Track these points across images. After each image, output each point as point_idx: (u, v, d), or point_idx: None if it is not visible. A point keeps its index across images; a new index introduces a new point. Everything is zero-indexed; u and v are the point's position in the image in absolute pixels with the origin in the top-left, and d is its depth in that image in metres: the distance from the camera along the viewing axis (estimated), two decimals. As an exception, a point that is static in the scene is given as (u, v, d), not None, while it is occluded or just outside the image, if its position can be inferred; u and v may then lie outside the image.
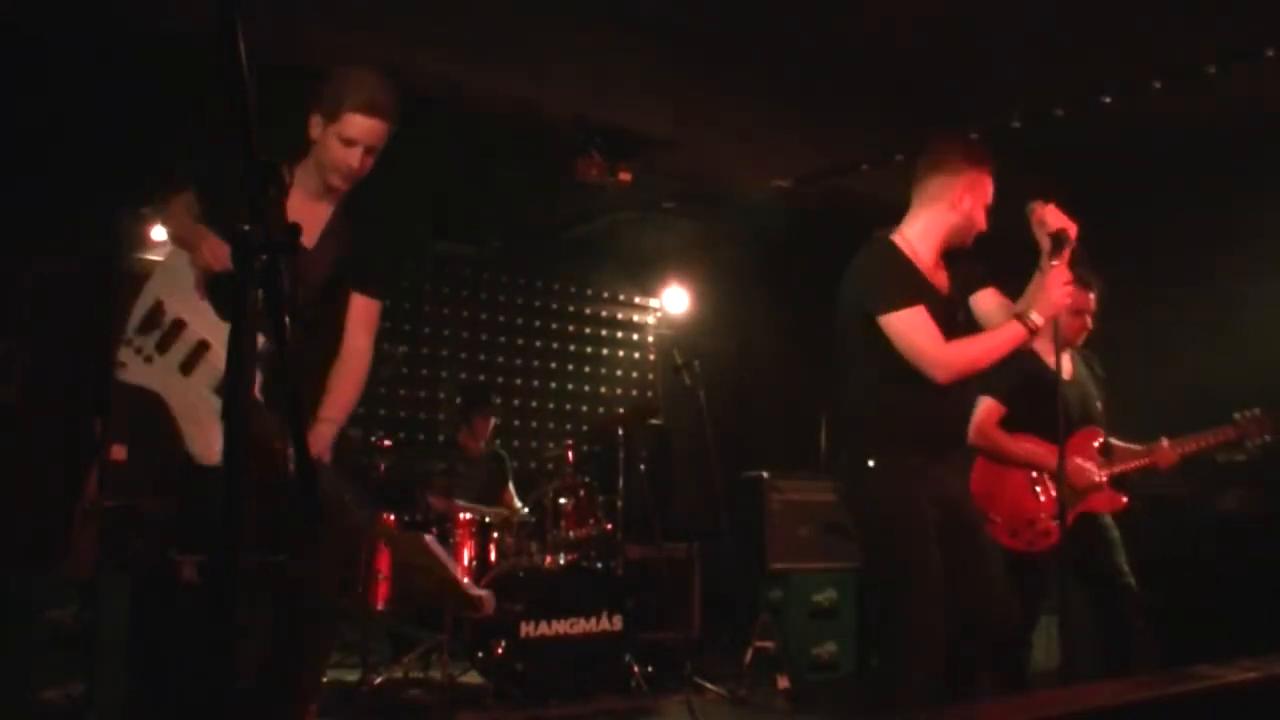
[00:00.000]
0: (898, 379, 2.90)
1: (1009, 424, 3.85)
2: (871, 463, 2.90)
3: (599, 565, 5.04)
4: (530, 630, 4.54)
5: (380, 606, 4.88)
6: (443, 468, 5.08)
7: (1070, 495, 3.69)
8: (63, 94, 4.99)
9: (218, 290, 2.64)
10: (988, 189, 3.03)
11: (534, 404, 7.73)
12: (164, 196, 2.79)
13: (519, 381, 7.67)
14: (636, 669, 4.91)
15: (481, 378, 7.33)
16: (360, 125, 2.64)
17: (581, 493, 5.09)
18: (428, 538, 2.36)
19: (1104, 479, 3.82)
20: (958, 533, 2.93)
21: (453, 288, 7.42)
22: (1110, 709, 1.72)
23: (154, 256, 5.81)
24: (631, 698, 4.77)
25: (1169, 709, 1.78)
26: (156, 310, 2.66)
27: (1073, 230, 2.88)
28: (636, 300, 8.34)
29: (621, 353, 8.27)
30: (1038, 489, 3.81)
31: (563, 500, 5.06)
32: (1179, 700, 1.82)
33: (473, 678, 4.83)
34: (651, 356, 8.32)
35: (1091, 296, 3.85)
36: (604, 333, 8.21)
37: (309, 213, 2.73)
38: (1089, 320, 3.91)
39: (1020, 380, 3.79)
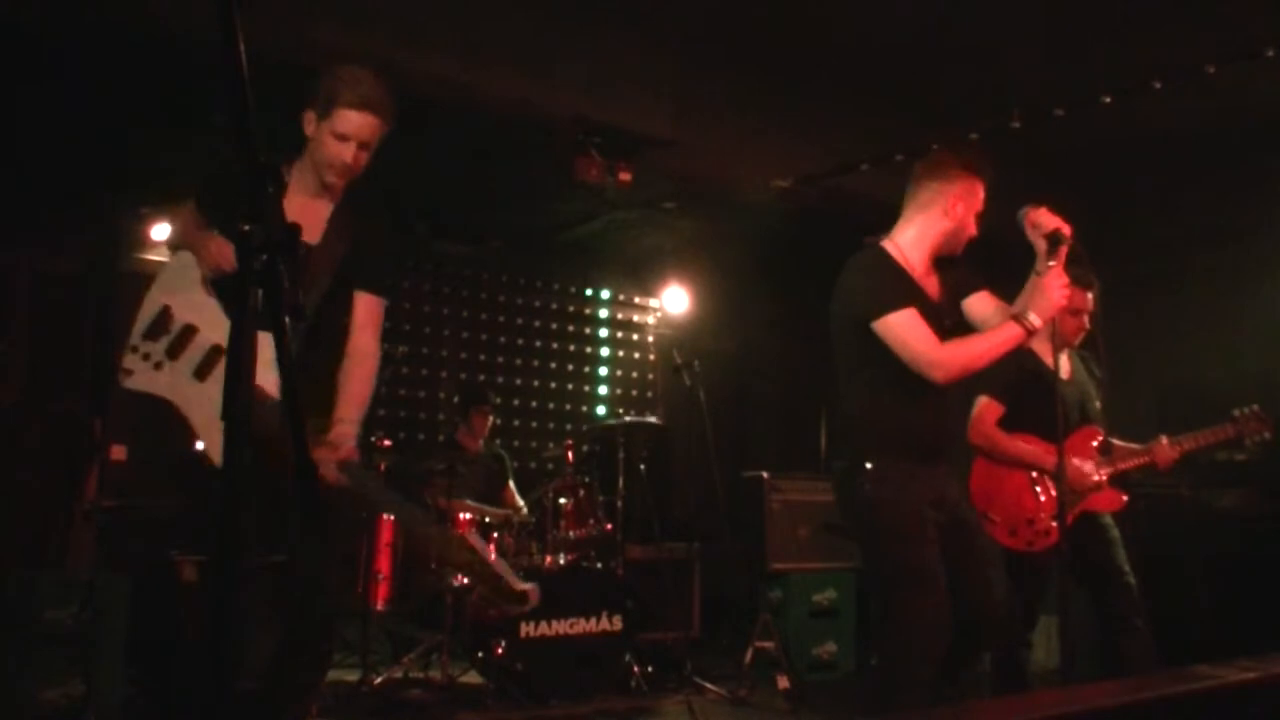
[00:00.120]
0: (891, 386, 2.92)
1: (1008, 424, 3.85)
2: (869, 465, 2.91)
3: (599, 565, 5.04)
4: (530, 630, 4.54)
5: (380, 606, 4.89)
6: (442, 467, 5.08)
7: (1070, 495, 3.70)
8: (62, 94, 4.99)
9: (226, 293, 2.62)
10: (980, 197, 3.05)
11: (534, 404, 7.72)
12: (169, 203, 2.79)
13: (519, 381, 7.67)
14: (636, 669, 4.91)
15: (481, 378, 7.33)
16: (354, 120, 2.65)
17: (581, 493, 5.09)
18: (470, 535, 2.37)
19: (1103, 478, 3.83)
20: (957, 535, 2.94)
21: (452, 288, 7.42)
22: (1110, 709, 1.72)
23: (154, 257, 5.81)
24: (631, 698, 4.77)
25: (1169, 709, 1.77)
26: (164, 316, 2.63)
27: (1067, 230, 2.89)
28: (636, 300, 8.33)
29: (621, 353, 8.27)
30: (1037, 489, 3.81)
31: (563, 500, 5.06)
32: (1179, 700, 1.82)
33: (473, 678, 4.84)
34: (651, 356, 8.32)
35: (1089, 296, 3.85)
36: (604, 333, 8.21)
37: (309, 211, 2.73)
38: (1087, 320, 3.91)
39: (1019, 380, 3.80)
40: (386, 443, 5.32)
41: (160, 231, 5.77)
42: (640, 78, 5.17)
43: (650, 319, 8.38)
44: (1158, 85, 4.77)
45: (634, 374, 8.30)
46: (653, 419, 6.89)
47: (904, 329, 2.86)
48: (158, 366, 2.60)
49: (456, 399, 6.21)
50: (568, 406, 7.87)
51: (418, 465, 5.41)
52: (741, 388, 8.23)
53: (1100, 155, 5.71)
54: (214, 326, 2.62)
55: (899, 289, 2.93)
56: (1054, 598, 3.71)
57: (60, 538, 4.89)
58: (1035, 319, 2.84)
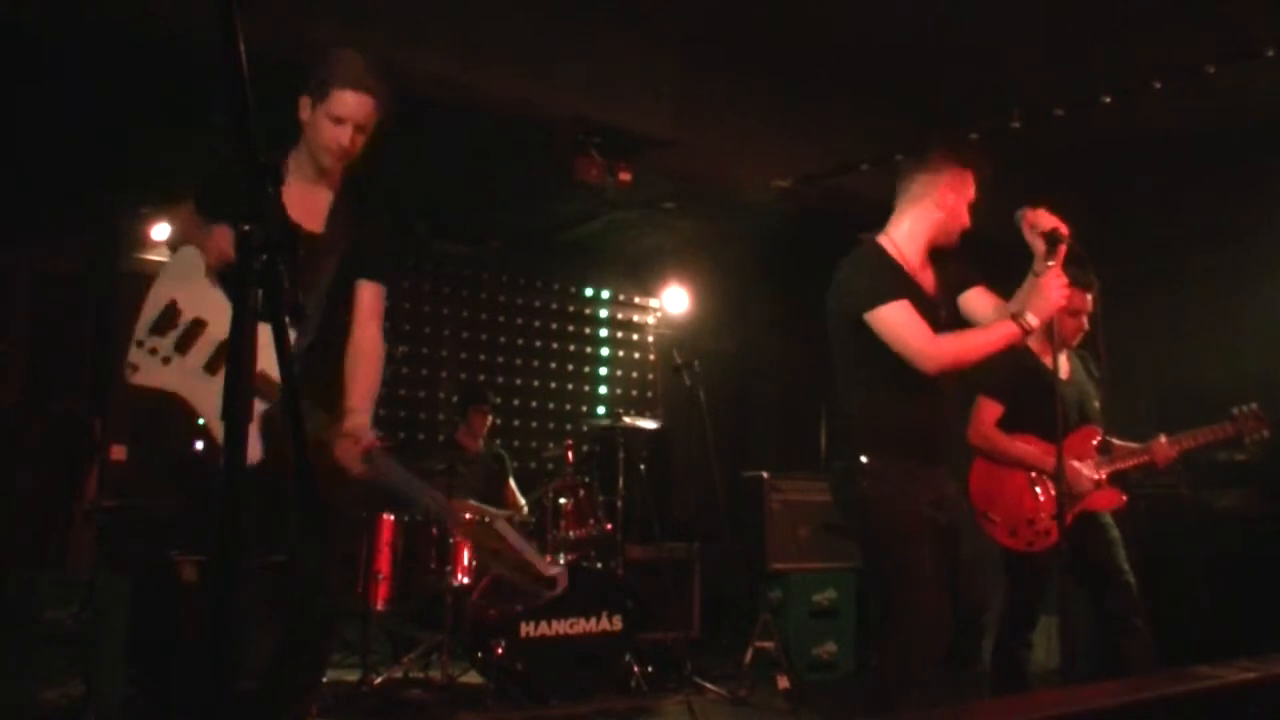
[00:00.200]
0: (889, 383, 2.92)
1: (1007, 424, 3.85)
2: (865, 459, 2.92)
3: (599, 565, 5.05)
4: (530, 630, 4.54)
5: (380, 606, 4.88)
6: (442, 467, 5.07)
7: (1069, 495, 3.70)
8: (62, 94, 4.99)
9: (233, 285, 2.60)
10: (970, 186, 3.06)
11: (534, 404, 7.72)
12: (169, 203, 2.78)
13: (519, 381, 7.67)
14: (636, 669, 4.91)
15: (481, 378, 7.33)
16: (348, 102, 2.64)
17: (581, 493, 5.09)
18: (502, 523, 2.40)
19: (1102, 477, 3.83)
20: (951, 537, 2.97)
21: (452, 288, 7.42)
22: (1110, 709, 1.72)
23: (154, 257, 5.81)
24: (631, 698, 4.77)
25: (1169, 709, 1.78)
26: (171, 310, 2.61)
27: (1065, 230, 2.89)
28: (636, 300, 8.34)
29: (621, 353, 8.27)
30: (1037, 489, 3.81)
31: (563, 500, 5.06)
32: (1179, 700, 1.82)
33: (473, 678, 4.84)
34: (651, 356, 8.32)
35: (1089, 297, 3.85)
36: (604, 333, 8.21)
37: (309, 199, 2.73)
38: (1085, 321, 3.92)
39: (1018, 380, 3.80)
40: (386, 442, 5.32)
41: (160, 231, 5.77)
42: (640, 77, 5.17)
43: (650, 319, 8.38)
44: (1158, 85, 4.78)
45: (634, 374, 8.30)
46: (653, 419, 6.90)
47: (896, 320, 2.87)
48: (165, 361, 2.57)
49: (456, 399, 6.21)
50: (568, 406, 7.87)
51: (418, 465, 5.41)
52: (741, 388, 8.23)
53: (1100, 155, 5.71)
54: (223, 320, 2.58)
55: (891, 282, 2.94)
56: (1054, 598, 3.71)
57: (60, 538, 4.89)
58: (1032, 319, 2.84)
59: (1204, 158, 5.59)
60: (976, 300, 3.08)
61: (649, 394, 8.29)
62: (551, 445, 6.97)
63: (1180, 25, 4.50)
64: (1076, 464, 3.78)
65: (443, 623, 4.80)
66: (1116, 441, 3.96)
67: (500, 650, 4.49)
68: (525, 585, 2.32)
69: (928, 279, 3.05)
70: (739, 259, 7.40)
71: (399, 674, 4.90)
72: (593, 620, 4.71)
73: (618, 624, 4.77)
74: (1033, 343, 3.82)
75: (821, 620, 5.72)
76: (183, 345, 2.58)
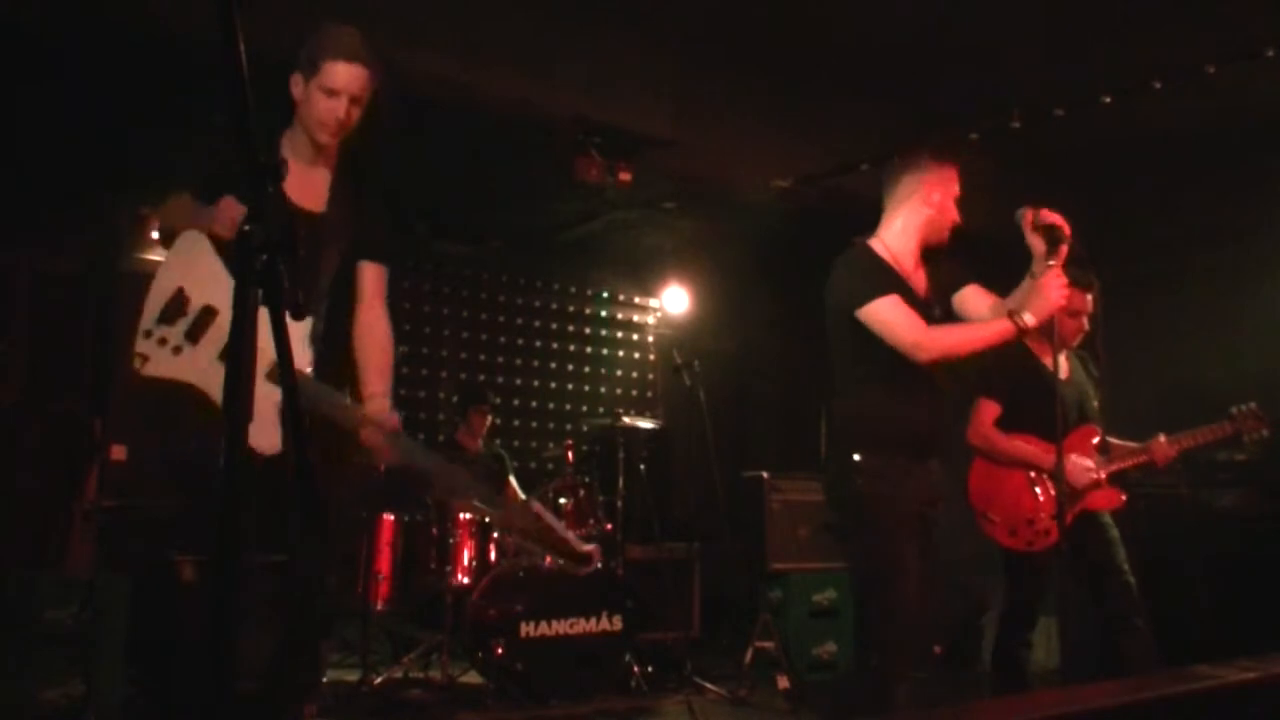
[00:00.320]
0: (883, 381, 2.96)
1: (1007, 424, 3.86)
2: (857, 457, 2.94)
3: (599, 565, 5.04)
4: (530, 630, 4.54)
5: (380, 606, 4.88)
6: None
7: (1069, 495, 3.70)
8: (62, 94, 4.99)
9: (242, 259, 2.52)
10: (955, 182, 3.11)
11: (534, 404, 7.73)
12: (162, 197, 2.73)
13: (519, 381, 7.67)
14: (636, 669, 4.91)
15: (481, 378, 7.33)
16: (341, 73, 2.60)
17: (581, 493, 5.09)
18: (536, 504, 2.43)
19: (1102, 477, 3.83)
20: (928, 536, 3.00)
21: (452, 287, 7.42)
22: (1110, 709, 1.72)
23: (154, 257, 5.81)
24: (631, 698, 4.77)
25: (1169, 709, 1.78)
26: (179, 298, 2.51)
27: (1066, 230, 2.91)
28: (636, 300, 8.34)
29: (621, 353, 8.27)
30: (1036, 489, 3.81)
31: (563, 500, 5.06)
32: (1179, 700, 1.82)
33: (473, 678, 4.84)
34: (651, 356, 8.32)
35: (1089, 298, 3.86)
36: (604, 333, 8.21)
37: (308, 179, 2.69)
38: (1085, 321, 3.92)
39: (1018, 380, 3.80)
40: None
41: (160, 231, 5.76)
42: (640, 77, 5.17)
43: (650, 319, 8.38)
44: (1158, 85, 4.78)
45: (634, 374, 8.30)
46: (653, 419, 6.90)
47: (887, 313, 2.91)
48: (177, 351, 2.49)
49: (455, 399, 6.21)
50: (568, 406, 7.87)
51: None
52: (741, 388, 8.23)
53: (1100, 155, 5.71)
54: None
55: (881, 279, 2.98)
56: (1054, 598, 3.71)
57: (60, 538, 4.89)
58: (1029, 317, 2.87)
59: (1204, 158, 5.59)
60: (972, 298, 3.10)
61: (649, 394, 8.29)
62: (551, 445, 6.97)
63: (1180, 25, 4.49)
64: (1076, 458, 3.78)
65: (443, 623, 4.81)
66: (1116, 441, 3.96)
67: (500, 650, 4.49)
68: (561, 562, 2.37)
69: (920, 280, 3.08)
70: (739, 259, 7.40)
71: (399, 674, 4.90)
72: (593, 620, 4.71)
73: (618, 624, 4.77)
74: (1032, 343, 3.83)
75: (821, 620, 5.72)
76: (194, 334, 2.50)
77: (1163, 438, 3.88)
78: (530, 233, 7.22)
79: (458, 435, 6.06)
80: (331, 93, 2.61)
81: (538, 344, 7.81)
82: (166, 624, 3.67)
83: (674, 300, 7.69)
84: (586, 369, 8.06)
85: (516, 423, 7.55)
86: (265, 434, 2.36)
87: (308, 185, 2.68)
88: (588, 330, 8.13)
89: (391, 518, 4.96)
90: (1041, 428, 3.70)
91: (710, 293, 7.77)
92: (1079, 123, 5.16)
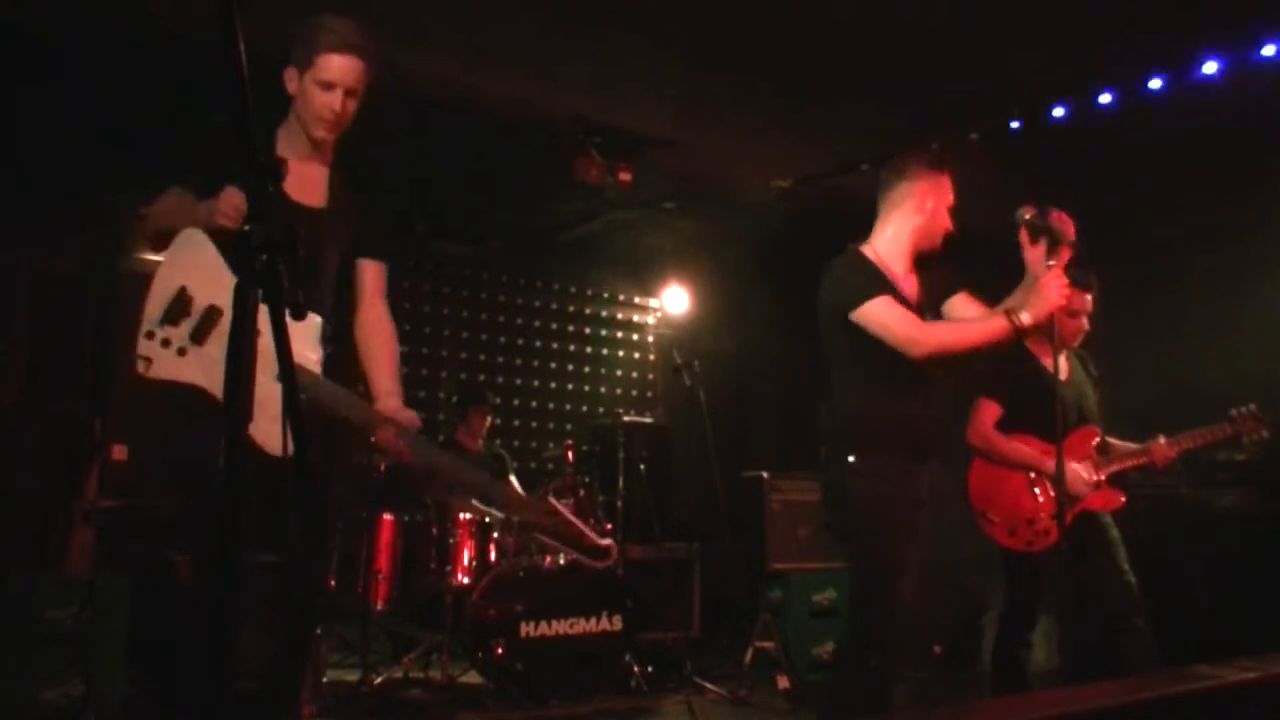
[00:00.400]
0: (879, 382, 2.97)
1: (1007, 425, 3.86)
2: (856, 458, 2.96)
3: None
4: (530, 630, 4.54)
5: (380, 606, 4.88)
6: (422, 465, 5.06)
7: (1068, 495, 3.70)
8: (62, 94, 4.99)
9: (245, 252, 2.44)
10: (949, 189, 3.12)
11: (534, 404, 7.73)
12: (155, 194, 2.67)
13: (519, 381, 7.67)
14: (636, 669, 4.91)
15: (481, 378, 7.33)
16: (337, 65, 2.53)
17: (581, 493, 5.09)
18: (554, 500, 2.45)
19: (1101, 478, 3.83)
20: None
21: (452, 288, 7.42)
22: (1110, 709, 1.72)
23: (154, 257, 5.80)
24: (631, 698, 4.77)
25: (1169, 709, 1.78)
26: (182, 298, 2.44)
27: (1069, 232, 2.91)
28: (636, 300, 8.34)
29: (621, 353, 8.27)
30: (1036, 489, 3.81)
31: (563, 500, 5.06)
32: (1179, 700, 1.82)
33: (473, 678, 4.83)
34: (651, 356, 8.32)
35: (1088, 297, 3.86)
36: (604, 333, 8.21)
37: (305, 175, 2.63)
38: (1085, 321, 3.92)
39: (1018, 381, 3.80)
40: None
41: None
42: (643, 79, 5.17)
43: (650, 319, 8.38)
44: (1158, 85, 4.78)
45: (634, 374, 8.30)
46: (653, 419, 6.89)
47: (881, 313, 2.93)
48: (181, 353, 2.41)
49: (455, 399, 6.22)
50: (568, 406, 7.87)
51: (407, 464, 5.40)
52: (741, 388, 8.23)
53: (1100, 155, 5.71)
54: None
55: (873, 281, 3.00)
56: (1054, 598, 3.71)
57: (60, 538, 4.89)
58: (1026, 317, 2.87)
59: (1204, 158, 5.59)
60: (960, 306, 3.13)
61: (649, 394, 8.29)
62: (551, 445, 6.97)
63: (1180, 25, 4.49)
64: (1075, 466, 3.78)
65: (443, 623, 4.80)
66: (1115, 442, 3.97)
67: (500, 650, 4.49)
68: (579, 556, 2.39)
69: (911, 286, 3.10)
70: (739, 259, 7.40)
71: (399, 674, 4.90)
72: (593, 620, 4.71)
73: (618, 624, 4.77)
74: (1032, 344, 3.83)
75: (821, 620, 5.72)
76: (199, 335, 2.42)
77: (1162, 439, 3.88)
78: (530, 233, 7.22)
79: (457, 435, 6.05)
80: (327, 86, 2.54)
81: (538, 344, 7.81)
82: (166, 624, 3.67)
83: (674, 300, 7.69)
84: (586, 369, 8.06)
85: (516, 423, 7.55)
86: (277, 436, 2.34)
87: (305, 181, 2.63)
88: (588, 330, 8.13)
89: (391, 518, 4.96)
90: (1041, 428, 3.70)
91: (710, 293, 7.77)
92: (1079, 123, 5.16)
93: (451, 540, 4.89)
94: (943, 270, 3.16)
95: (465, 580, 4.84)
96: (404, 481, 5.22)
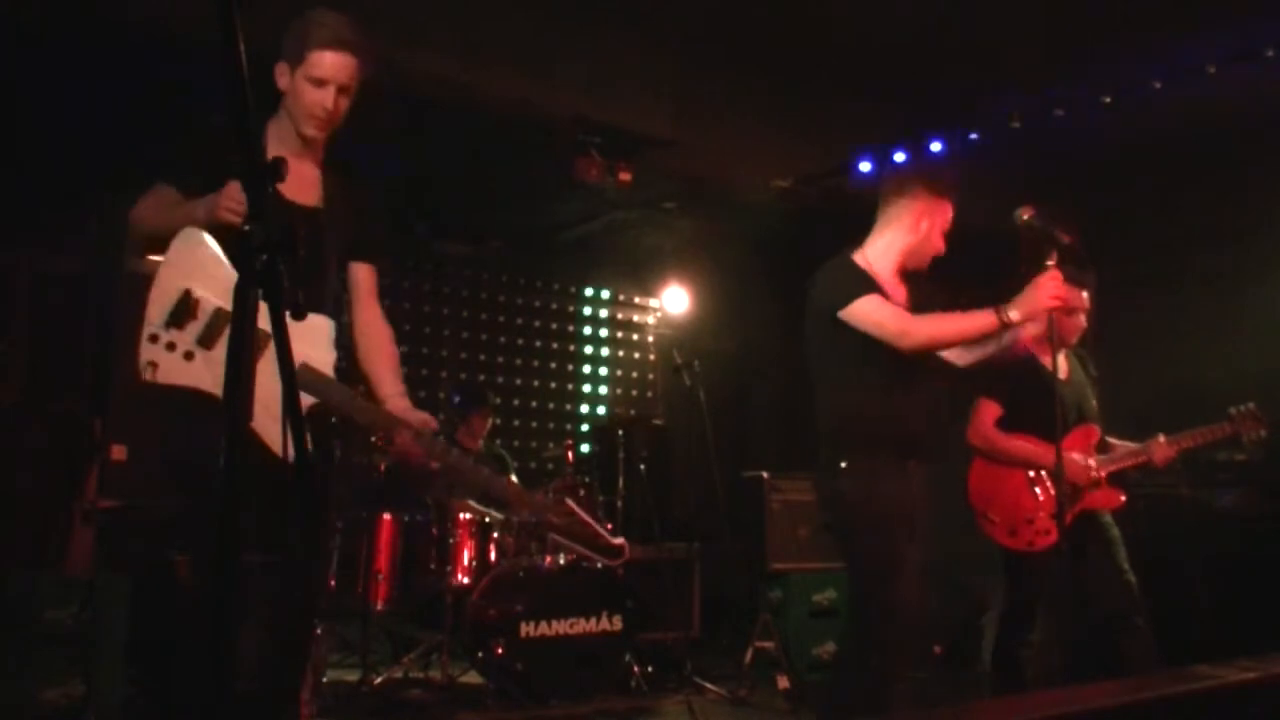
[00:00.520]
0: (866, 383, 3.01)
1: (1006, 424, 3.86)
2: (851, 460, 2.97)
3: (599, 565, 5.04)
4: (530, 630, 4.54)
5: (380, 606, 4.88)
6: (439, 467, 5.06)
7: (1069, 494, 3.70)
8: (62, 94, 4.99)
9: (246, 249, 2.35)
10: (947, 215, 3.16)
11: (534, 404, 7.73)
12: (139, 192, 2.61)
13: (519, 381, 7.67)
14: (636, 669, 4.91)
15: (481, 378, 7.33)
16: (329, 62, 2.47)
17: (581, 493, 5.09)
18: (568, 500, 2.47)
19: (1101, 476, 3.83)
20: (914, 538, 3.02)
21: (452, 288, 7.42)
22: (1110, 709, 1.72)
23: (153, 256, 5.80)
24: (631, 698, 4.77)
25: (1169, 709, 1.78)
26: (187, 301, 2.36)
27: (1062, 235, 2.93)
28: (636, 300, 8.34)
29: (621, 353, 8.27)
30: (1036, 488, 3.81)
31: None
32: (1179, 700, 1.82)
33: (473, 678, 4.83)
34: (651, 356, 8.32)
35: (1085, 295, 3.86)
36: (604, 333, 8.21)
37: (297, 173, 2.53)
38: (1083, 319, 3.93)
39: (1018, 380, 3.80)
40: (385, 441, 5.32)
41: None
42: (640, 78, 5.17)
43: (650, 319, 8.38)
44: (1158, 85, 4.78)
45: (634, 374, 8.30)
46: (653, 419, 6.89)
47: (869, 309, 2.98)
48: (189, 357, 2.34)
49: (457, 400, 6.22)
50: (568, 406, 7.87)
51: (418, 464, 5.40)
52: (741, 388, 8.23)
53: (1100, 155, 5.71)
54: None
55: (862, 283, 3.04)
56: (1054, 598, 3.71)
57: (60, 538, 4.89)
58: (1014, 313, 2.91)
59: (1204, 158, 5.59)
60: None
61: (649, 394, 8.29)
62: (551, 445, 6.97)
63: (1180, 25, 4.49)
64: (1075, 455, 3.78)
65: (443, 623, 4.80)
66: (1114, 441, 3.97)
67: (500, 650, 4.49)
68: (593, 554, 2.42)
69: (899, 295, 3.14)
70: (739, 259, 7.40)
71: (399, 674, 4.90)
72: (593, 620, 4.71)
73: (618, 624, 4.77)
74: (1032, 344, 3.84)
75: (821, 620, 5.72)
76: (207, 339, 2.35)
77: (1162, 438, 3.89)
78: (530, 233, 7.22)
79: (457, 435, 6.05)
80: (319, 83, 2.48)
81: (538, 344, 7.81)
82: (166, 624, 3.66)
83: (674, 300, 7.69)
84: (586, 369, 8.06)
85: (516, 423, 7.55)
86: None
87: (298, 179, 2.56)
88: (588, 330, 8.13)
89: (391, 518, 4.96)
90: (1041, 428, 3.69)
91: (710, 293, 7.76)
92: (1079, 123, 5.16)
93: (451, 540, 4.88)
94: (929, 286, 3.21)
95: (465, 580, 4.84)
96: (404, 481, 5.22)
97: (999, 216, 3.06)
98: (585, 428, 7.91)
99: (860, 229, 3.20)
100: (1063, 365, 3.85)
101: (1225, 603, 4.87)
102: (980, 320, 2.95)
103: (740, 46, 5.01)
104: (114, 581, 3.91)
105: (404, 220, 6.56)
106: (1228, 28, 4.49)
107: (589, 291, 8.15)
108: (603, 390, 8.09)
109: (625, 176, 5.42)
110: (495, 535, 5.02)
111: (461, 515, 4.97)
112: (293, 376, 1.50)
